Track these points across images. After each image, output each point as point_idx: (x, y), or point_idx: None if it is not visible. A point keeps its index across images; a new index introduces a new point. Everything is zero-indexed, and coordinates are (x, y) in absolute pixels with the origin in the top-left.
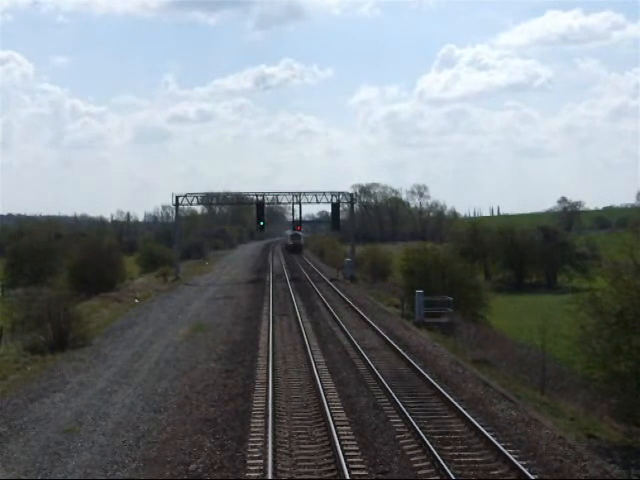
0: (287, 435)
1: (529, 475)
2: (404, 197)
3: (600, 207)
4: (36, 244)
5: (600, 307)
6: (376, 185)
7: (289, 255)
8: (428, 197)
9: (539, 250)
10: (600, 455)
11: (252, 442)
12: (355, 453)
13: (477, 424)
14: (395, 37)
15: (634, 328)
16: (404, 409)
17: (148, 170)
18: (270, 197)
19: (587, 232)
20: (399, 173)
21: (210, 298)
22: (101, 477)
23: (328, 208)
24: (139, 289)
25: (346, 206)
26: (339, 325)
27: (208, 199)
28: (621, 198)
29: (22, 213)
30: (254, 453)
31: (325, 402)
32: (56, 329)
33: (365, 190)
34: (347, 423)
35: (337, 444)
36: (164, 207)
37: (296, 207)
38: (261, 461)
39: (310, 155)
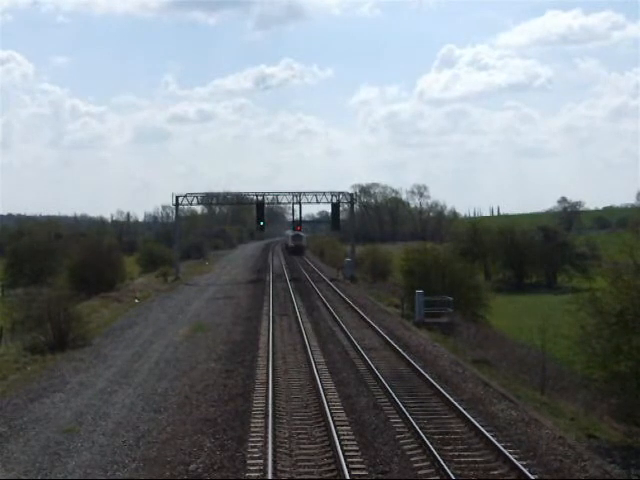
0: (287, 435)
1: (529, 475)
2: (404, 197)
3: (600, 207)
4: (36, 244)
5: (600, 307)
6: (376, 185)
7: (290, 256)
8: (428, 197)
9: (539, 250)
10: (600, 455)
11: (252, 442)
12: (355, 453)
13: (477, 424)
14: (395, 37)
15: (634, 328)
16: (404, 409)
17: (148, 170)
18: (270, 197)
19: (587, 232)
20: (399, 173)
21: (210, 298)
22: (101, 477)
23: (328, 208)
24: (139, 289)
25: (346, 206)
26: (339, 325)
27: (208, 199)
28: (621, 198)
29: (22, 213)
30: (254, 453)
31: (325, 402)
32: (56, 329)
33: (365, 190)
34: (347, 423)
35: (337, 444)
36: (164, 207)
37: (296, 207)
38: (261, 461)
39: (310, 155)
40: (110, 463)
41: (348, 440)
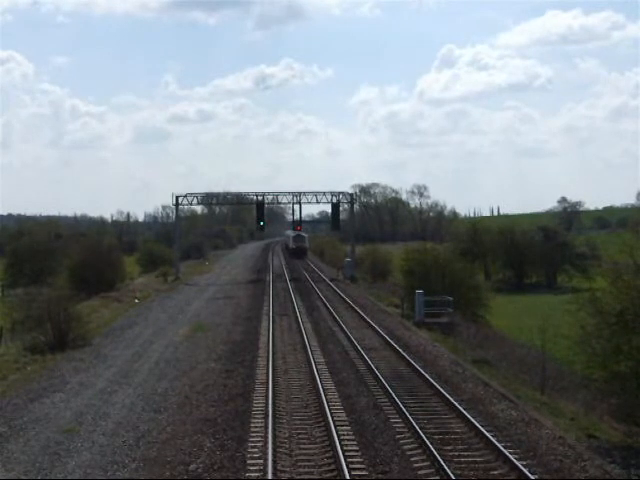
0: (287, 435)
1: (529, 475)
2: (404, 197)
3: (600, 207)
4: (36, 244)
5: (600, 307)
6: (376, 185)
7: (290, 257)
8: (428, 197)
9: (539, 250)
10: (600, 455)
11: (252, 442)
12: (355, 453)
13: (477, 424)
14: (395, 37)
15: (634, 328)
16: (404, 409)
17: (148, 170)
18: (270, 197)
19: (587, 232)
20: (399, 173)
21: (210, 298)
22: (101, 477)
23: (328, 208)
24: (139, 289)
25: (346, 206)
26: (339, 325)
27: (208, 199)
28: (621, 198)
29: (22, 213)
30: (254, 453)
31: (325, 402)
32: (56, 329)
33: (365, 190)
34: (347, 423)
35: (337, 444)
36: (164, 207)
37: (296, 207)
38: (261, 461)
39: (310, 155)
40: (110, 463)
41: (348, 440)
